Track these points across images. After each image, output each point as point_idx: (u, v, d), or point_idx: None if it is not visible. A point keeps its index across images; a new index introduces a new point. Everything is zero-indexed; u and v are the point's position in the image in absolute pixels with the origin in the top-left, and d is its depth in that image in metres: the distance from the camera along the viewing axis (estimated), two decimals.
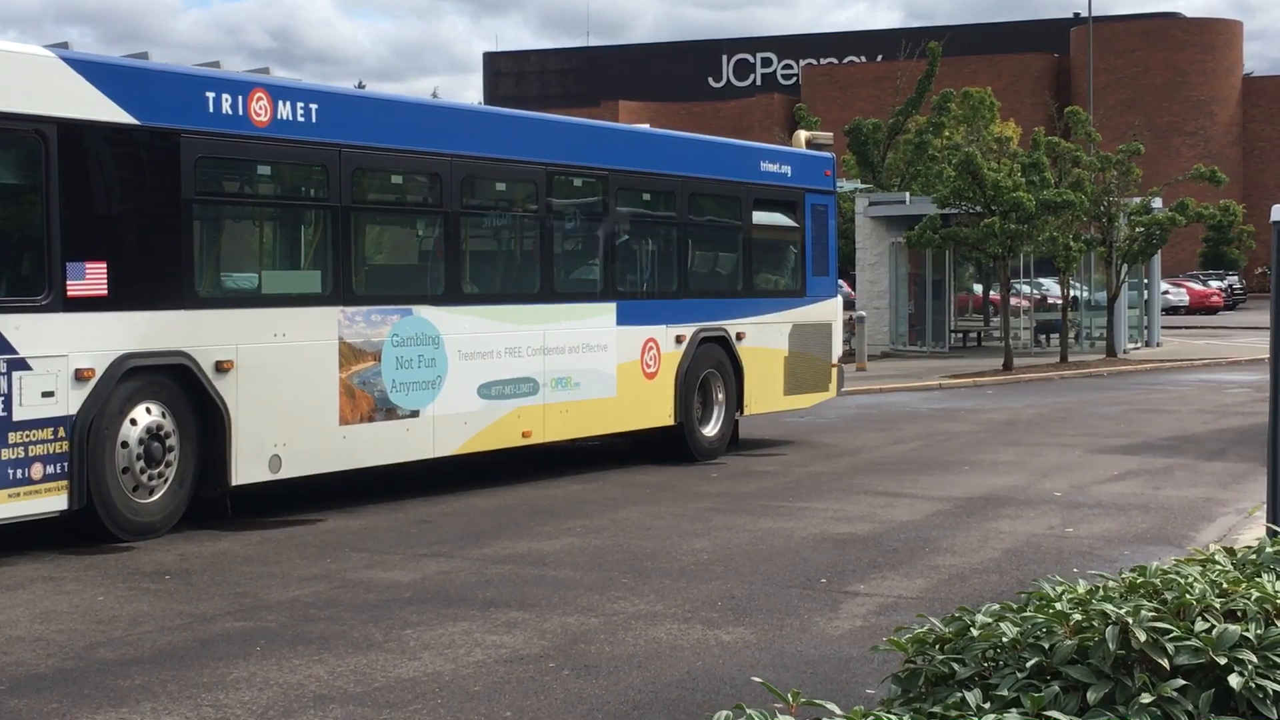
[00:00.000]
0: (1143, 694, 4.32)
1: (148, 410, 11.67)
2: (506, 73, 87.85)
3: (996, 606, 4.99)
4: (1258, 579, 5.01)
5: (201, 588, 9.98)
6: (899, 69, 53.11)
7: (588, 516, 13.04)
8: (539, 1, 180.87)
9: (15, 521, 10.85)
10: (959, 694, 4.49)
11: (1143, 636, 4.43)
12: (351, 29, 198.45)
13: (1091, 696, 4.36)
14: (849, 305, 33.96)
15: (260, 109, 12.45)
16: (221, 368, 12.05)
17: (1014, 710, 4.28)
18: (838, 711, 4.14)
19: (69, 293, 11.04)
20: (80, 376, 11.08)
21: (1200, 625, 4.54)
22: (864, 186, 42.84)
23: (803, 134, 21.28)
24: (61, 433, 10.99)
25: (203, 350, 11.96)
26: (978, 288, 46.54)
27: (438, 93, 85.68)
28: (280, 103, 12.61)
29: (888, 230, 38.75)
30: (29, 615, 9.13)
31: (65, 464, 11.02)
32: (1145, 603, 4.69)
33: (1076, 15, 69.62)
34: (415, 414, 13.77)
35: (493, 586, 10.04)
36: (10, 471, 10.68)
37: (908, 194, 39.62)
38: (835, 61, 78.17)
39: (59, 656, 8.18)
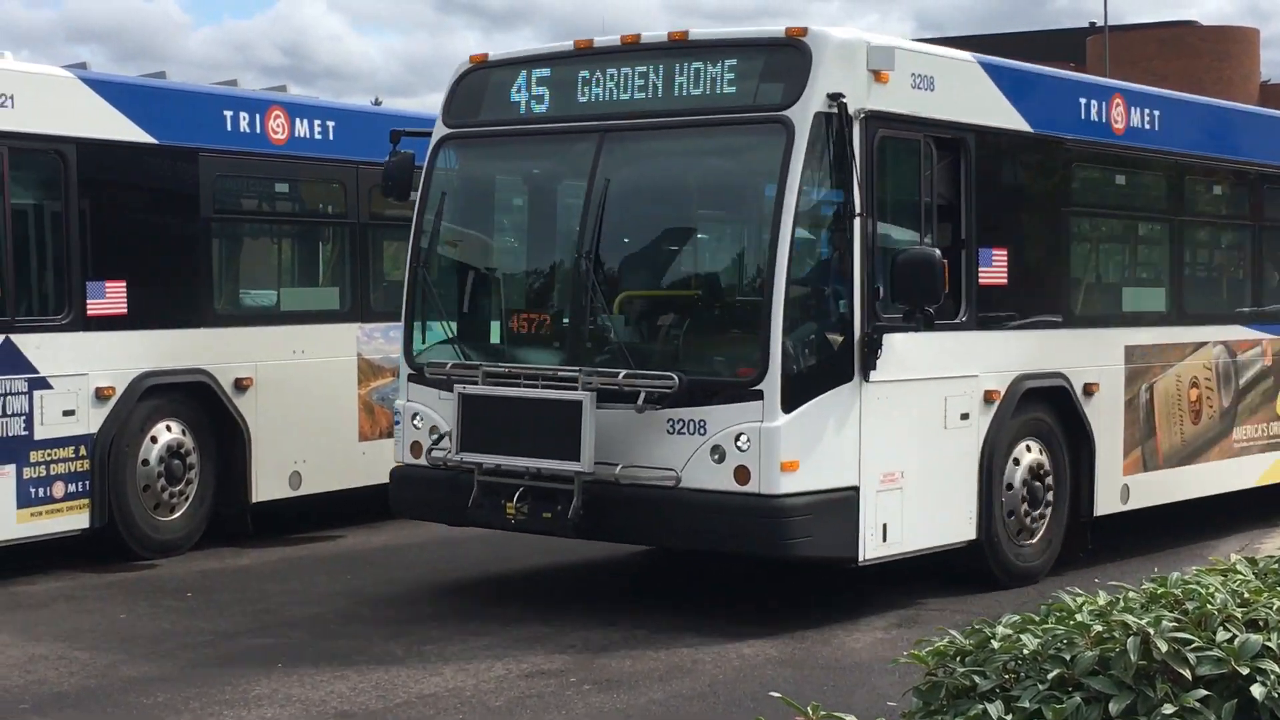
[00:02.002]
0: (1165, 704, 4.31)
1: (168, 428, 11.70)
2: None
3: (1017, 618, 4.99)
4: (1279, 588, 5.00)
5: (223, 605, 10.00)
6: None
7: None
8: (549, 15, 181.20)
9: (38, 540, 10.89)
10: (980, 706, 4.49)
11: (1164, 647, 4.43)
12: (363, 45, 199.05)
13: (1114, 708, 4.35)
14: None
15: (278, 127, 12.50)
16: (241, 385, 12.07)
17: None
18: None
19: (89, 312, 11.08)
20: (101, 395, 11.11)
21: (1222, 635, 4.53)
22: None
23: None
24: (82, 451, 11.02)
25: (222, 368, 11.99)
26: None
27: None
28: (297, 120, 12.65)
29: None
30: (52, 633, 9.16)
31: (86, 482, 11.05)
32: (1166, 613, 4.68)
33: (1092, 24, 69.51)
34: None
35: (514, 601, 10.04)
36: (32, 490, 10.72)
37: None
38: None
39: (82, 675, 8.21)
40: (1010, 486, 10.34)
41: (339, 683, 7.97)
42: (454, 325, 10.33)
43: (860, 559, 9.24)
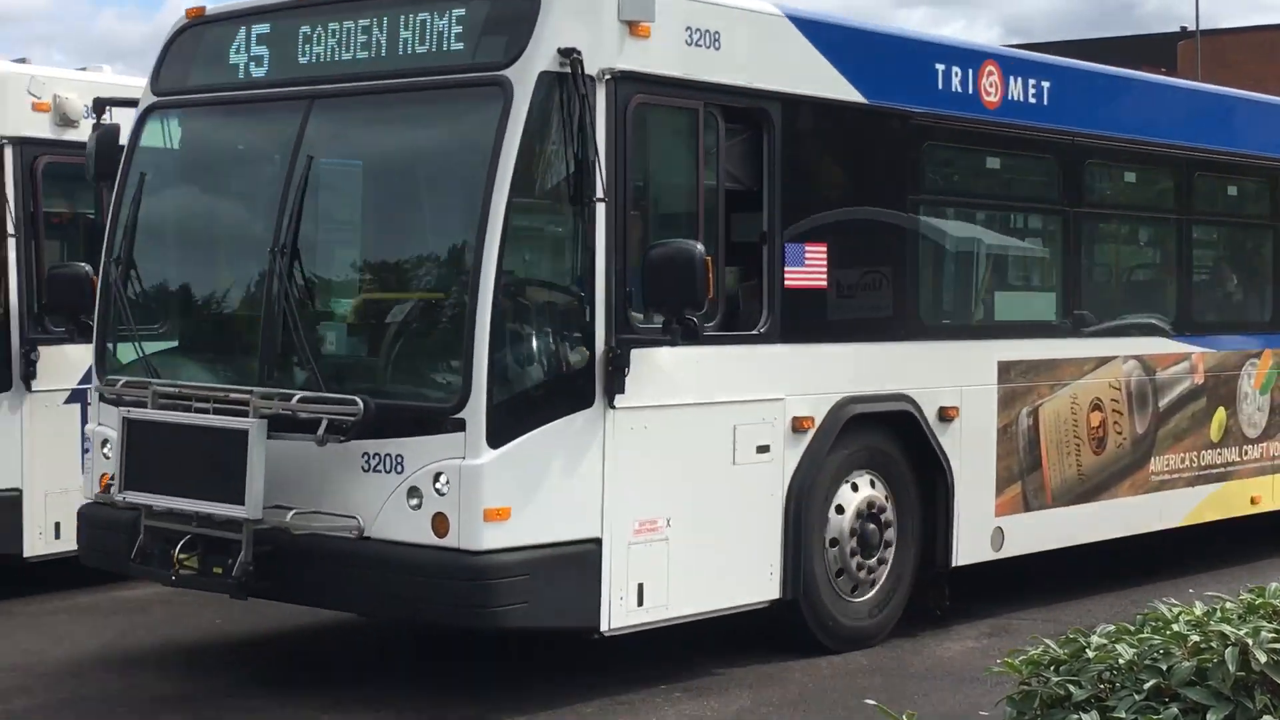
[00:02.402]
0: (1264, 716, 4.28)
1: None
2: None
3: (1112, 628, 4.96)
4: None
5: (317, 610, 10.09)
6: None
7: None
8: None
9: None
10: (1075, 716, 4.48)
11: (1263, 658, 4.39)
12: None
13: (1212, 719, 4.32)
14: None
15: None
16: None
17: None
18: None
19: None
20: None
21: None
22: None
23: None
24: None
25: None
26: None
27: None
28: None
29: None
30: (151, 639, 9.30)
31: None
32: (1265, 623, 4.64)
33: (1183, 29, 68.70)
34: None
35: None
36: None
37: None
38: None
39: (179, 679, 8.32)
40: (832, 531, 8.69)
41: (431, 689, 8.03)
42: (146, 334, 8.57)
43: (604, 628, 7.60)
